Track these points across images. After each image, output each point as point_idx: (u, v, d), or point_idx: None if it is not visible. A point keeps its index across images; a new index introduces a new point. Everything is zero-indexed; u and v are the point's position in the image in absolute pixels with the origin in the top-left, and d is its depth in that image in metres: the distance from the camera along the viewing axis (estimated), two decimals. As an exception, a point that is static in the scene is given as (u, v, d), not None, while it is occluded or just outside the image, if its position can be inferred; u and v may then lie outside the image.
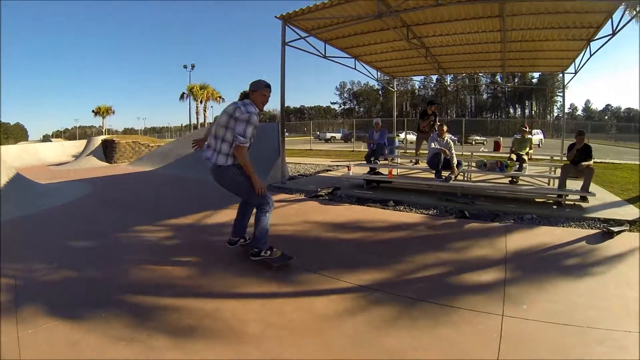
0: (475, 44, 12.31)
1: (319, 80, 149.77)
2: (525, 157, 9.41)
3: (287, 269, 4.34)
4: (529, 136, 9.89)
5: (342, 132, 43.30)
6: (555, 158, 11.97)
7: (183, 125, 68.37)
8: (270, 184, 9.11)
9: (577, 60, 12.71)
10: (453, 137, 31.30)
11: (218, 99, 52.11)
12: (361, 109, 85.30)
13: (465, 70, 16.98)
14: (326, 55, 12.10)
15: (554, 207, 7.20)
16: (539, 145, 29.27)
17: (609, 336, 3.10)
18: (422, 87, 71.53)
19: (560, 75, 14.47)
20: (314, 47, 11.45)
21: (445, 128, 8.43)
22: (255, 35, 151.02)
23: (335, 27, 10.21)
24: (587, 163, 7.52)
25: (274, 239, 4.57)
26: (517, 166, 9.28)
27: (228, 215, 6.07)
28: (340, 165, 14.08)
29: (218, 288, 3.93)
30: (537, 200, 7.72)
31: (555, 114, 70.36)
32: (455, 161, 8.14)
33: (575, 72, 13.58)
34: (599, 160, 17.68)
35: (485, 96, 76.79)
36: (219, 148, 4.23)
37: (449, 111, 74.04)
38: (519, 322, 3.30)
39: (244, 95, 4.44)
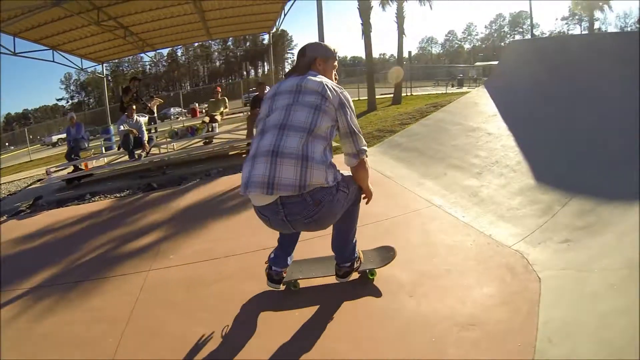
0: (173, 17, 12.40)
1: (41, 75, 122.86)
2: (219, 118, 10.04)
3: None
4: (223, 97, 10.56)
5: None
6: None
7: None
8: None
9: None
10: (183, 110, 30.78)
11: None
12: (91, 100, 76.85)
13: (173, 43, 17.06)
14: (16, 52, 10.80)
15: (243, 155, 7.91)
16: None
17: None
18: (152, 64, 68.37)
19: (290, 35, 15.98)
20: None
21: (134, 107, 8.44)
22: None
23: (22, 18, 9.03)
24: None
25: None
26: (211, 128, 9.84)
27: None
28: (59, 170, 12.85)
29: None
30: (230, 153, 8.35)
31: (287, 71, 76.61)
32: (146, 138, 8.24)
33: (277, 30, 15.03)
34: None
35: (218, 63, 78.18)
36: (307, 152, 2.21)
37: (183, 84, 73.26)
38: (162, 272, 3.67)
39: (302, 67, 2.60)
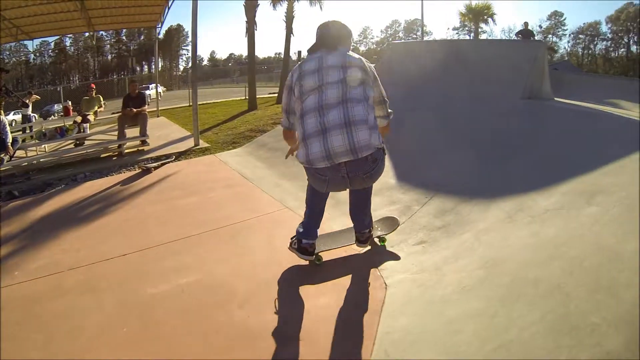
0: (50, 4, 11.63)
1: None
2: (92, 117, 9.77)
3: None
4: (97, 95, 10.33)
5: None
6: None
7: None
8: None
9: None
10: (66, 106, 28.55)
11: None
12: (-34, 93, 67.60)
13: (51, 32, 15.81)
14: None
15: (114, 158, 7.78)
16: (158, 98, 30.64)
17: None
18: (38, 54, 62.82)
19: (185, 30, 15.57)
20: None
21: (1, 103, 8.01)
22: None
23: None
24: (140, 109, 8.38)
25: None
26: (82, 129, 9.45)
27: None
28: None
29: None
30: (102, 156, 8.08)
31: (182, 67, 74.30)
32: (9, 139, 7.78)
33: (162, 25, 14.87)
34: (202, 102, 19.57)
35: (110, 57, 73.97)
36: (369, 117, 2.60)
37: (71, 78, 68.19)
38: (3, 291, 3.36)
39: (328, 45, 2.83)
